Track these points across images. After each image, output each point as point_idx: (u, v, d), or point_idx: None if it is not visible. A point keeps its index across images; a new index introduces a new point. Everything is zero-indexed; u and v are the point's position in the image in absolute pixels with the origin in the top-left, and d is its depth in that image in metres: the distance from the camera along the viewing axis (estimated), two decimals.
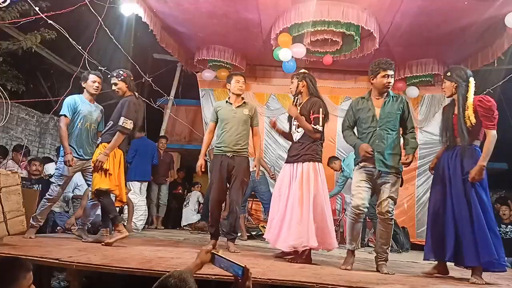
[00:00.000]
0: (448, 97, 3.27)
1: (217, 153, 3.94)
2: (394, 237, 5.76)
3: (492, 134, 3.01)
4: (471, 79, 3.12)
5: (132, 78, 3.95)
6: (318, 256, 3.99)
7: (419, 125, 7.25)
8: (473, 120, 3.01)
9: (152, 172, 6.64)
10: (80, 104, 4.02)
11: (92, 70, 4.29)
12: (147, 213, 6.14)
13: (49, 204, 3.88)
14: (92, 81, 4.08)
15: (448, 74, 3.21)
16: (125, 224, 5.37)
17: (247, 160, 3.96)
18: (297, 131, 3.63)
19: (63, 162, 3.84)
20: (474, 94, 3.10)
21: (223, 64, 6.87)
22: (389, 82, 3.24)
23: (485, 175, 3.05)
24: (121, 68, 3.97)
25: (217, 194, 3.87)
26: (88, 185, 4.05)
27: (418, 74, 6.63)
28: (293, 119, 3.71)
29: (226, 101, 4.04)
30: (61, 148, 3.93)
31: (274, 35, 5.72)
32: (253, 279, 2.41)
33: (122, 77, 3.87)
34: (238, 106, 3.95)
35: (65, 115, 3.91)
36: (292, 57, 6.00)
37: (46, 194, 3.91)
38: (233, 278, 1.80)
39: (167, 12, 5.73)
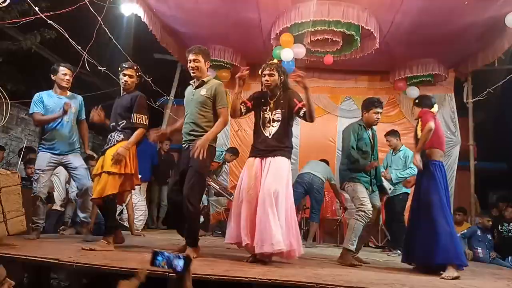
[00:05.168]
0: (415, 119, 3.86)
1: None
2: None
3: (428, 126, 3.40)
4: (436, 105, 4.04)
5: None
6: (318, 256, 3.99)
7: None
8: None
9: (153, 173, 6.63)
10: (47, 99, 3.89)
11: (61, 63, 4.05)
12: (147, 213, 6.14)
13: (37, 202, 3.78)
14: (63, 74, 3.91)
15: (417, 101, 3.85)
16: (125, 225, 5.37)
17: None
18: (272, 126, 3.23)
19: (38, 158, 3.87)
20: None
21: (223, 64, 6.86)
22: (378, 118, 3.95)
23: (435, 169, 3.46)
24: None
25: (168, 191, 3.55)
26: (74, 179, 4.01)
27: (418, 74, 6.63)
28: (268, 108, 3.27)
29: (191, 83, 3.50)
30: (39, 148, 3.94)
31: (274, 35, 5.73)
32: (253, 279, 2.41)
33: (140, 72, 3.80)
34: (196, 87, 3.39)
35: (34, 113, 3.85)
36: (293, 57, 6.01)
37: None
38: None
39: (167, 12, 5.73)
